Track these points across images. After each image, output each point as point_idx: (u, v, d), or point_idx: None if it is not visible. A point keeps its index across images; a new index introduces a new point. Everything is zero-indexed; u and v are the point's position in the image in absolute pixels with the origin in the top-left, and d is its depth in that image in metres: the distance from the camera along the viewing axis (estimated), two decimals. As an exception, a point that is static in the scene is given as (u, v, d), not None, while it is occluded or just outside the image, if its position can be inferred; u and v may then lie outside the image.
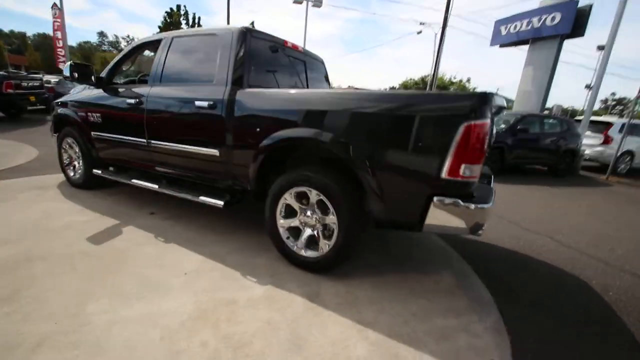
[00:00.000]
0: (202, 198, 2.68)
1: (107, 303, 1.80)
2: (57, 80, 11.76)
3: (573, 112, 36.91)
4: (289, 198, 2.29)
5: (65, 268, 2.11)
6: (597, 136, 8.58)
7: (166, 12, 23.46)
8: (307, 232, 2.30)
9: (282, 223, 2.36)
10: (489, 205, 1.79)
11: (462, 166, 1.70)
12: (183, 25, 23.92)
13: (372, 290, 2.14)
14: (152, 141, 2.90)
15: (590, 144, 8.50)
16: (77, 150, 3.69)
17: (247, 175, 2.46)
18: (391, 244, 2.92)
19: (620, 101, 53.44)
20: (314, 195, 2.18)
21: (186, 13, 23.92)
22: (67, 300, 1.79)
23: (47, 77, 12.00)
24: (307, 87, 3.33)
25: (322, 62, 3.65)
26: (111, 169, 3.49)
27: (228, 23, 18.07)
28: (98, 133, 3.34)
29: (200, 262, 2.33)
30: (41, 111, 10.16)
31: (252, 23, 4.71)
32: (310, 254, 2.28)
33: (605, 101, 54.67)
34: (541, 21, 12.44)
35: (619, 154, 7.76)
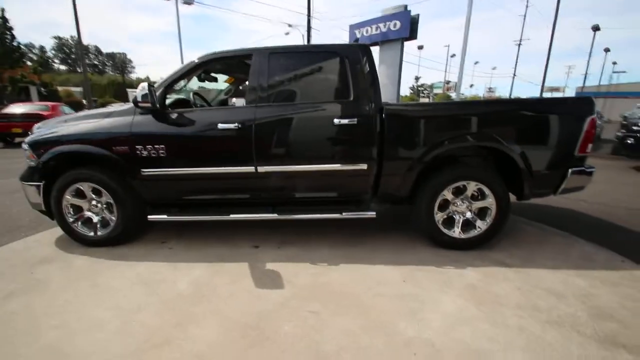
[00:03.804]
0: (346, 214, 2.71)
1: (404, 323, 1.85)
2: None
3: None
4: (446, 193, 2.68)
5: (307, 316, 1.91)
6: None
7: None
8: (460, 218, 2.76)
9: (439, 216, 2.73)
10: (594, 169, 2.73)
11: (587, 145, 2.57)
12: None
13: (519, 250, 2.79)
14: (266, 167, 2.64)
15: None
16: (98, 199, 2.81)
17: (399, 183, 2.67)
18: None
19: (422, 85, 71.07)
20: (472, 186, 2.66)
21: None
22: (373, 331, 1.76)
23: None
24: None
25: None
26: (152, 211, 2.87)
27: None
28: (156, 170, 2.68)
29: (391, 270, 2.45)
30: None
31: (357, 39, 4.14)
32: (465, 235, 2.76)
33: (412, 87, 71.87)
34: (387, 27, 15.07)
35: None
